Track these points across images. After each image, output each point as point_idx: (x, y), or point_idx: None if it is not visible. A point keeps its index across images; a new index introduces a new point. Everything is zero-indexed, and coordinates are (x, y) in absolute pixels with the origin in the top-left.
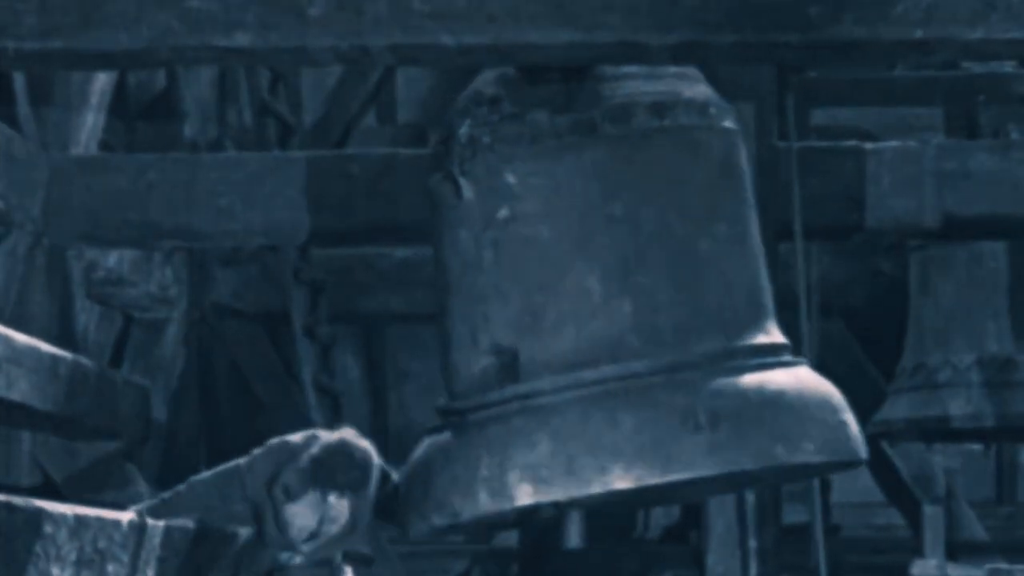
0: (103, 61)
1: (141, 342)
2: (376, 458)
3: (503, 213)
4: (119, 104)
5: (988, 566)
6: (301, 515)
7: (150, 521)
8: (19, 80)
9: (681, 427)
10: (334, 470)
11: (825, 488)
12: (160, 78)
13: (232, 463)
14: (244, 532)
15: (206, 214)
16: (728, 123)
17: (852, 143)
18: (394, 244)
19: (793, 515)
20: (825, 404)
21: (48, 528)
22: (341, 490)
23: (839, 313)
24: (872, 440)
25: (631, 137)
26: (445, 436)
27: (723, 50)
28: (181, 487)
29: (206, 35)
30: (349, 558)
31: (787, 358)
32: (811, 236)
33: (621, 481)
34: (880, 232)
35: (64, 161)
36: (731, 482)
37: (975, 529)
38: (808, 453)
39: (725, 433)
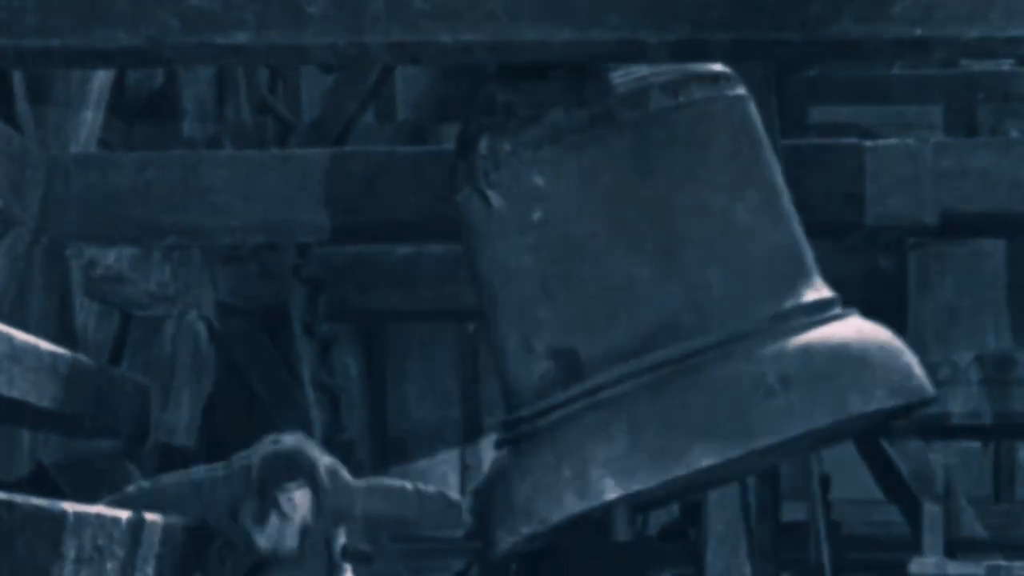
0: (102, 59)
1: (140, 340)
2: (314, 449)
3: (537, 216)
4: (118, 102)
5: (987, 563)
6: (264, 536)
7: (148, 518)
8: (18, 78)
9: (753, 394)
10: (277, 479)
11: (824, 485)
12: (159, 76)
13: (202, 475)
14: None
15: (205, 212)
16: (739, 90)
17: (851, 140)
18: (393, 242)
19: (792, 513)
20: (887, 349)
21: (48, 526)
22: (286, 487)
23: None
24: (871, 437)
25: (649, 120)
26: (516, 448)
27: (722, 48)
28: (145, 484)
29: (205, 33)
30: (349, 556)
31: (839, 310)
32: (810, 234)
33: (706, 458)
34: (879, 230)
35: (63, 159)
36: (807, 442)
37: (974, 527)
38: (881, 399)
39: (798, 393)
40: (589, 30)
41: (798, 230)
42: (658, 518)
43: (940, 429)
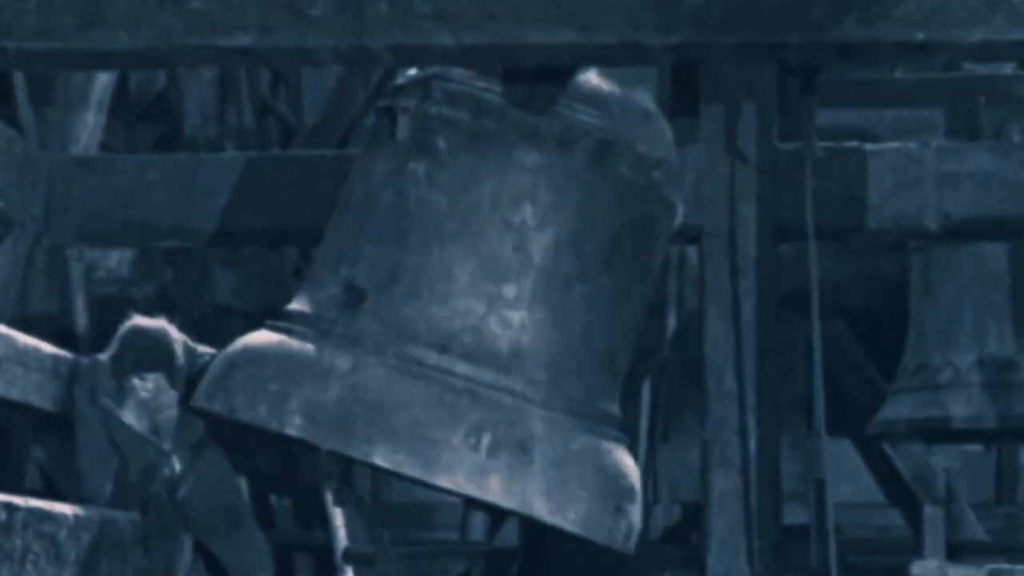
0: (104, 61)
1: None
2: (175, 333)
3: (419, 168)
4: (120, 104)
5: (988, 567)
6: (129, 415)
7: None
8: (20, 80)
9: (462, 439)
10: (132, 358)
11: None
12: (160, 78)
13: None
14: None
15: (207, 214)
16: (668, 191)
17: (853, 144)
18: None
19: (793, 516)
20: (609, 485)
21: (48, 527)
22: (146, 374)
23: (840, 314)
24: (873, 441)
25: (563, 160)
26: (269, 336)
27: (724, 50)
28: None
29: (207, 35)
30: (350, 558)
31: (605, 429)
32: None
33: (380, 460)
34: (881, 233)
35: (64, 161)
36: (488, 508)
37: (975, 530)
38: (567, 521)
39: (499, 465)
40: (591, 33)
41: (626, 344)
42: (660, 520)
43: (942, 432)
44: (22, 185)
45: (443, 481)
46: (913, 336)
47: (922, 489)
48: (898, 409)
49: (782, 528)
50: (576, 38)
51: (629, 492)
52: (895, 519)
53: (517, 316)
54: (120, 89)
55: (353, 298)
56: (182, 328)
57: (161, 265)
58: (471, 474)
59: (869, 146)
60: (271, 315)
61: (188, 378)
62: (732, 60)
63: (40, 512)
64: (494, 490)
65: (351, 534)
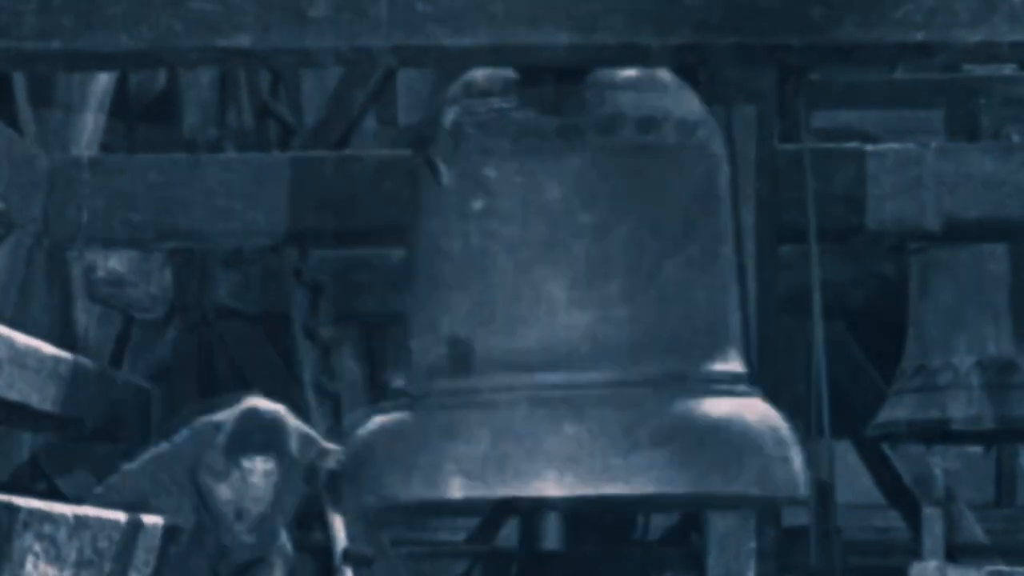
0: (103, 62)
1: (141, 343)
2: (291, 421)
3: (478, 205)
4: (120, 105)
5: (987, 568)
6: (223, 492)
7: (147, 520)
8: (19, 80)
9: (622, 443)
10: (245, 439)
11: (826, 490)
12: (161, 79)
13: (158, 448)
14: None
15: (206, 215)
16: (715, 146)
17: (853, 145)
18: (394, 245)
19: (793, 517)
20: (769, 437)
21: (48, 528)
22: (256, 456)
23: (839, 315)
24: (872, 442)
25: (614, 149)
26: (392, 417)
27: (724, 52)
28: (115, 477)
29: (207, 36)
30: (350, 559)
31: (740, 387)
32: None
33: (552, 489)
34: (881, 234)
35: (65, 162)
36: (673, 502)
37: (974, 531)
38: (744, 484)
39: (664, 455)
40: (591, 34)
41: (730, 300)
42: (660, 521)
43: (941, 434)
44: (22, 186)
45: (621, 488)
46: (913, 337)
47: (921, 490)
48: (898, 410)
49: (782, 529)
50: (576, 39)
51: (787, 438)
52: (894, 520)
53: (622, 311)
54: (120, 90)
55: (461, 351)
56: (182, 329)
57: (161, 266)
58: (644, 473)
59: (869, 147)
60: (272, 317)
61: (307, 469)
62: (732, 61)
63: (40, 513)
64: (670, 481)
65: (350, 535)
